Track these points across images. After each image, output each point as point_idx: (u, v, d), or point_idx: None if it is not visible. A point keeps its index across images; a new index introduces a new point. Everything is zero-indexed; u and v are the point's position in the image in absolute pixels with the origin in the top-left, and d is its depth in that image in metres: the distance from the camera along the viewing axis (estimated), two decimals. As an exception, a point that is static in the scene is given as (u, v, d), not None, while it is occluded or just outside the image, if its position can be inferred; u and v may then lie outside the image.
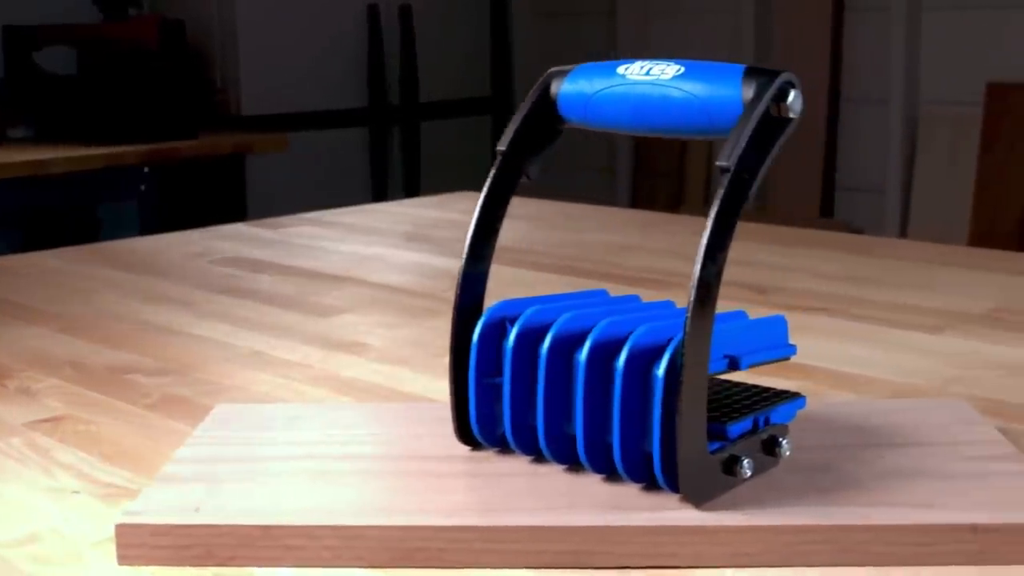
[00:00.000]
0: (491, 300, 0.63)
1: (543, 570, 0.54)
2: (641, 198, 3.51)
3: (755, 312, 1.00)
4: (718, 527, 0.54)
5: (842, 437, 0.64)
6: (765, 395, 0.62)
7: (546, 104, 0.63)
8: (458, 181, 2.88)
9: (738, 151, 0.55)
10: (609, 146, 3.54)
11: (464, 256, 0.62)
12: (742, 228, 1.52)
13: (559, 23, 3.71)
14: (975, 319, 0.96)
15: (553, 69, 0.64)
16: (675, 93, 0.58)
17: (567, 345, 0.58)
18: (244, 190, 3.03)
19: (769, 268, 1.17)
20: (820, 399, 0.77)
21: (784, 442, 0.60)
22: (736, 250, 1.23)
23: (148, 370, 0.86)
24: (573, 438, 0.58)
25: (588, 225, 1.44)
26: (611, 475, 0.58)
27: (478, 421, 0.61)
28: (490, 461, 0.61)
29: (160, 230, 1.92)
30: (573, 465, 0.60)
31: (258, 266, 1.22)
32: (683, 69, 0.59)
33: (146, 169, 2.69)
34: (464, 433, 0.62)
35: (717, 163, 0.55)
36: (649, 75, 0.59)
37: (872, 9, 3.08)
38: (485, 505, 0.57)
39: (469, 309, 0.62)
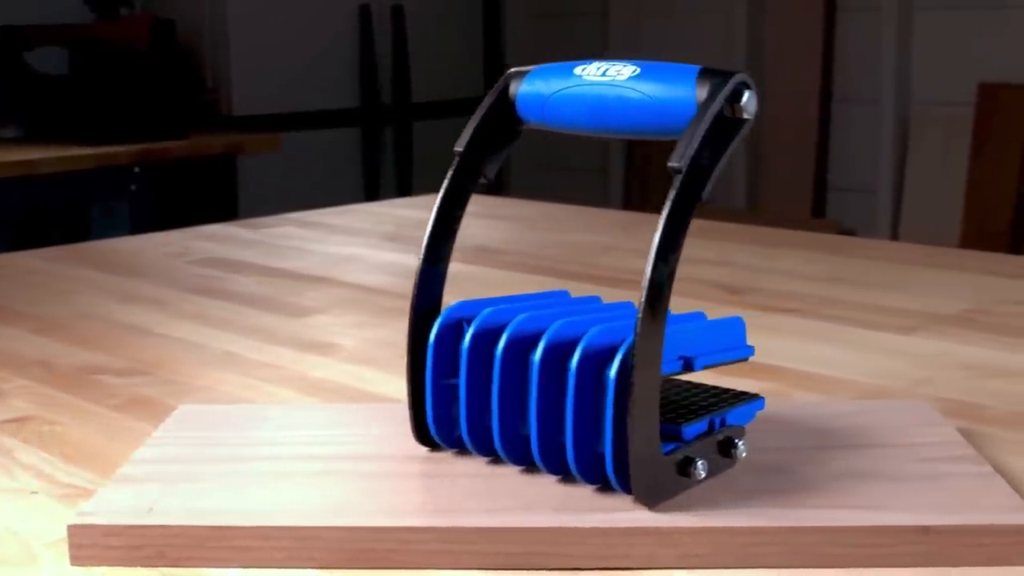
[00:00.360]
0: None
1: (495, 571, 0.54)
2: (634, 199, 3.51)
3: (727, 313, 1.00)
4: (670, 528, 0.54)
5: (801, 439, 0.64)
6: (724, 396, 0.62)
7: (504, 105, 0.63)
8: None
9: (690, 152, 0.55)
10: (602, 147, 3.54)
11: (421, 257, 0.62)
12: (723, 229, 1.52)
13: (552, 23, 3.71)
14: (948, 320, 0.96)
15: (512, 70, 0.64)
16: (631, 94, 0.58)
17: (522, 346, 0.58)
18: (236, 190, 3.03)
19: (747, 269, 1.17)
20: (786, 400, 0.77)
21: (740, 443, 0.60)
22: (715, 250, 1.25)
23: (117, 371, 0.86)
24: (528, 439, 0.58)
25: (571, 226, 1.44)
26: (566, 476, 0.58)
27: (435, 422, 0.61)
28: (447, 462, 0.61)
29: (151, 230, 1.92)
30: (529, 466, 0.60)
31: (237, 267, 1.22)
32: (639, 70, 0.59)
33: (137, 169, 2.69)
34: (421, 434, 0.62)
35: (669, 164, 0.55)
36: (605, 76, 0.59)
37: (864, 9, 3.08)
38: (438, 506, 0.57)
39: (426, 310, 0.62)
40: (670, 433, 0.58)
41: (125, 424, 0.75)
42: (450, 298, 0.63)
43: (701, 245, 1.30)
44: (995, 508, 0.55)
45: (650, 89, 0.58)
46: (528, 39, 3.75)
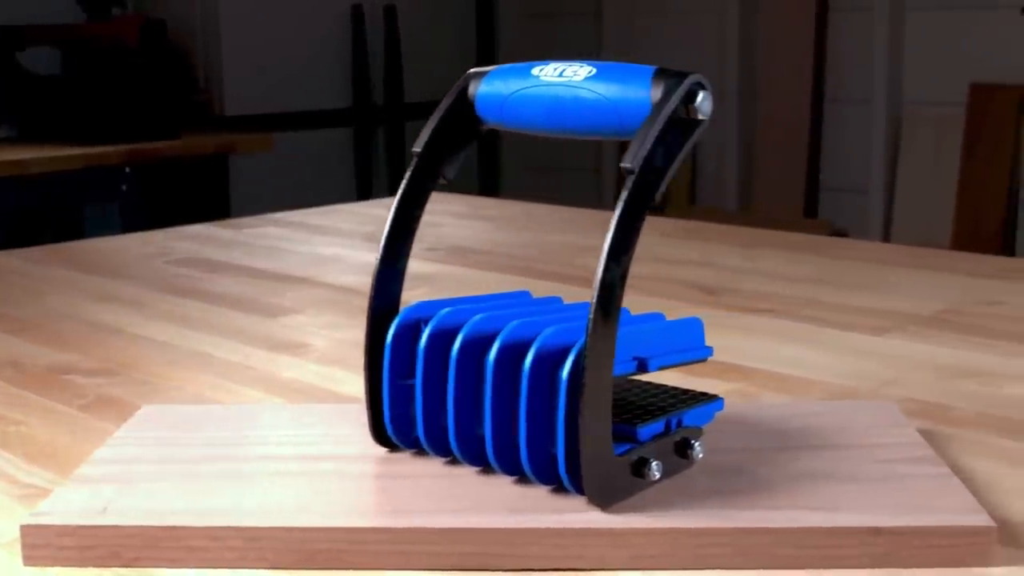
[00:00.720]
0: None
1: (446, 572, 0.54)
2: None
3: (701, 313, 1.00)
4: (622, 529, 0.54)
5: (762, 439, 0.64)
6: (682, 397, 0.62)
7: (464, 105, 0.63)
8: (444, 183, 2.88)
9: (643, 153, 0.55)
10: (595, 148, 3.54)
11: (379, 257, 0.62)
12: (708, 229, 1.52)
13: (545, 23, 3.71)
14: (922, 321, 0.96)
15: (472, 70, 0.64)
16: (587, 94, 0.58)
17: (478, 347, 0.58)
18: (228, 190, 3.03)
19: (727, 270, 1.17)
20: (750, 401, 0.77)
21: (697, 444, 0.60)
22: (699, 251, 1.25)
23: (87, 370, 0.86)
24: (484, 440, 0.58)
25: (552, 226, 1.44)
26: (522, 477, 0.58)
27: (393, 423, 0.61)
28: (405, 463, 0.61)
29: (142, 231, 1.92)
30: (486, 467, 0.60)
31: (215, 267, 1.22)
32: (595, 71, 0.59)
33: (127, 169, 2.69)
34: (380, 435, 0.62)
35: (621, 165, 0.55)
36: (562, 77, 0.59)
37: (856, 9, 3.08)
38: (390, 506, 0.57)
39: (384, 310, 0.62)
40: (625, 434, 0.58)
41: (91, 424, 0.75)
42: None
43: (684, 246, 1.30)
44: (949, 509, 0.55)
45: (605, 90, 0.58)
46: (521, 39, 3.74)
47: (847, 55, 3.12)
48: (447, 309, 0.60)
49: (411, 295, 1.04)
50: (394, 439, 0.62)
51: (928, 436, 0.70)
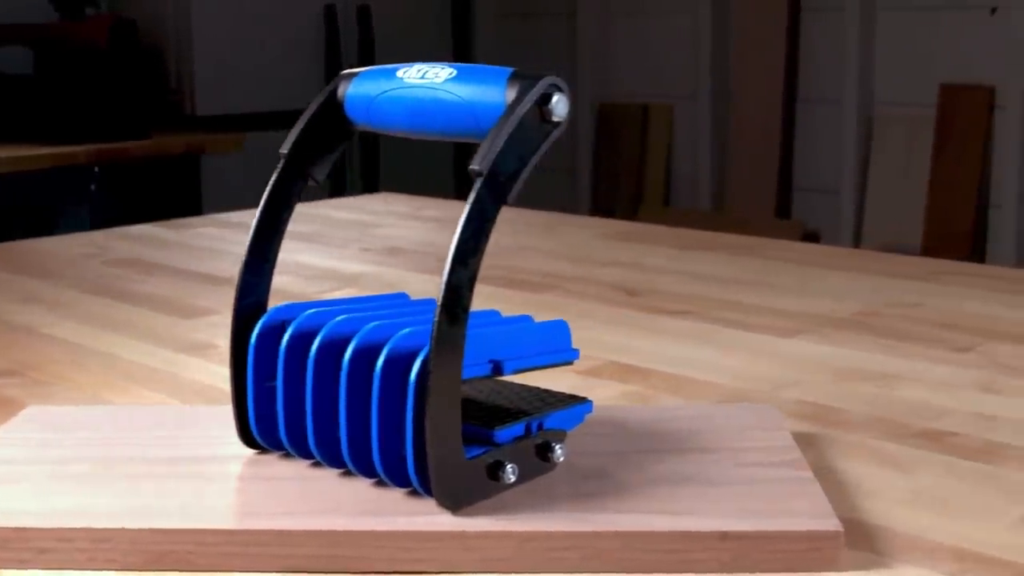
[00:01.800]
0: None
1: (292, 574, 0.54)
2: (601, 199, 3.51)
3: (618, 314, 1.00)
4: (467, 532, 0.54)
5: (632, 443, 0.64)
6: (550, 400, 0.62)
7: (333, 107, 0.63)
8: (419, 181, 2.88)
9: (492, 155, 0.55)
10: (570, 147, 3.53)
11: (244, 259, 0.62)
12: (643, 230, 1.52)
13: (521, 23, 3.71)
14: (836, 323, 0.96)
15: (343, 72, 0.64)
16: (446, 96, 0.59)
17: (335, 349, 0.58)
18: (200, 190, 3.02)
19: (653, 271, 1.17)
20: (639, 403, 0.77)
21: (558, 448, 0.60)
22: (630, 252, 1.25)
23: (-11, 371, 0.86)
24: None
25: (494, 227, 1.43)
26: (381, 480, 0.58)
27: (258, 424, 0.61)
28: (269, 465, 0.61)
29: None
30: (347, 469, 0.60)
31: (148, 267, 1.22)
32: (455, 72, 0.59)
33: (96, 169, 2.69)
34: (246, 437, 0.62)
35: (469, 167, 0.55)
36: (424, 79, 0.59)
37: (827, 9, 3.08)
38: (242, 508, 0.57)
39: (249, 311, 0.62)
40: (481, 436, 0.58)
41: (-20, 425, 0.74)
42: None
43: (618, 247, 1.30)
44: (799, 514, 0.55)
45: (463, 91, 0.58)
46: (497, 39, 3.74)
47: (819, 55, 3.12)
48: (311, 311, 0.60)
49: (337, 296, 1.04)
50: (260, 441, 0.62)
51: (810, 439, 0.70)
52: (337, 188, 3.42)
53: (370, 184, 3.45)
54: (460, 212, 0.55)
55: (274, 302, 0.58)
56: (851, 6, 3.01)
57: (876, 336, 0.93)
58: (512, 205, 0.57)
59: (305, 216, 1.52)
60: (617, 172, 3.48)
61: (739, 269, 1.17)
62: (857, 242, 3.06)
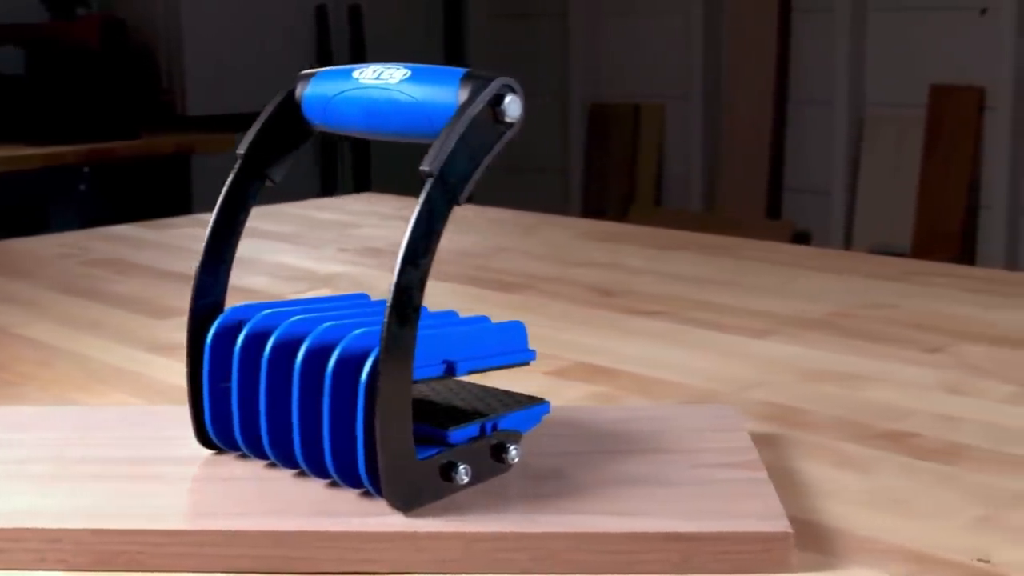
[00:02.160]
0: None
1: (242, 575, 0.54)
2: (592, 199, 3.50)
3: (592, 314, 1.00)
4: (417, 533, 0.54)
5: (589, 443, 0.64)
6: (507, 401, 0.62)
7: (291, 107, 0.63)
8: (411, 181, 2.87)
9: (442, 156, 0.55)
10: (561, 147, 3.53)
11: (200, 259, 0.62)
12: (623, 231, 1.51)
13: (514, 23, 3.71)
14: (809, 323, 0.96)
15: (302, 72, 0.64)
16: (400, 97, 0.59)
17: (289, 349, 0.58)
18: (190, 190, 3.02)
19: (630, 271, 1.17)
20: (604, 404, 0.77)
21: (513, 449, 0.60)
22: (609, 252, 1.24)
23: (-43, 371, 0.86)
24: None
25: (473, 227, 1.43)
26: (334, 481, 0.58)
27: (214, 425, 0.61)
28: (225, 465, 0.61)
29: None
30: (302, 470, 0.60)
31: (125, 268, 1.22)
32: (410, 73, 0.59)
33: (86, 169, 2.69)
34: (202, 437, 0.62)
35: (420, 168, 0.55)
36: (379, 79, 0.60)
37: (818, 10, 3.08)
38: (194, 509, 0.57)
39: (205, 312, 0.62)
40: (435, 437, 0.58)
41: (-56, 425, 0.74)
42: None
43: (596, 247, 1.30)
44: (750, 515, 0.55)
45: (417, 92, 0.58)
46: (489, 39, 3.74)
47: (810, 56, 3.12)
48: (267, 311, 0.60)
49: (312, 295, 1.04)
50: (216, 441, 0.62)
51: (771, 440, 0.70)
52: (328, 188, 3.42)
53: (362, 184, 3.45)
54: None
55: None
56: (842, 7, 3.01)
57: (847, 337, 0.92)
58: (468, 203, 0.57)
59: (286, 216, 1.52)
60: (608, 173, 3.48)
61: (717, 270, 1.17)
62: (848, 242, 3.06)
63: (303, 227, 1.43)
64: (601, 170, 3.50)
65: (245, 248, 1.29)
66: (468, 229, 1.42)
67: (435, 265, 1.20)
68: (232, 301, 1.06)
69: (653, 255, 1.24)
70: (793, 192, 3.19)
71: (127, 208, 2.81)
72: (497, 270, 1.17)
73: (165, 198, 2.94)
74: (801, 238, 3.09)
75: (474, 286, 1.09)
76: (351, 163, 3.53)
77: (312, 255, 1.27)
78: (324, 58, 3.39)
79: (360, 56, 3.46)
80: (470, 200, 0.56)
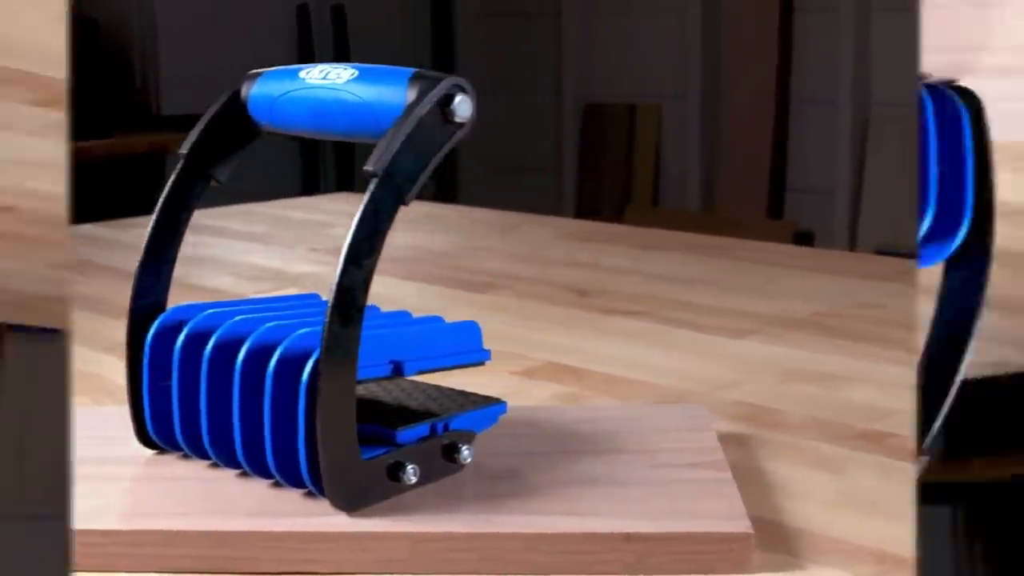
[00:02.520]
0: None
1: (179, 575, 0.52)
2: (586, 199, 3.48)
3: (566, 314, 0.98)
4: (361, 533, 0.53)
5: (548, 443, 0.63)
6: (461, 401, 0.61)
7: (237, 107, 0.61)
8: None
9: (388, 156, 0.53)
10: (555, 147, 3.51)
11: (140, 259, 0.60)
12: (605, 230, 1.50)
13: (505, 23, 3.67)
14: (793, 323, 0.94)
15: (250, 72, 0.62)
16: (348, 97, 0.57)
17: (231, 349, 0.56)
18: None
19: (610, 271, 1.15)
20: (580, 404, 0.75)
21: (465, 449, 0.58)
22: (589, 252, 1.23)
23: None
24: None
25: (451, 227, 1.41)
26: (278, 481, 0.57)
27: (155, 424, 0.60)
28: (167, 465, 0.60)
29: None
30: (245, 470, 0.58)
31: (87, 268, 1.20)
32: (357, 73, 0.58)
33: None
34: (143, 437, 0.61)
35: (364, 168, 0.53)
36: (326, 79, 0.58)
37: (821, 10, 3.06)
38: (132, 509, 0.56)
39: (145, 312, 0.60)
40: (383, 437, 0.56)
41: None
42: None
43: (577, 247, 1.28)
44: (709, 515, 0.54)
45: (364, 92, 0.57)
46: (480, 39, 3.70)
47: (813, 55, 3.09)
48: (209, 311, 0.59)
49: (279, 294, 1.02)
50: (157, 441, 0.60)
51: (741, 440, 0.68)
52: (310, 187, 3.39)
53: (345, 183, 3.41)
54: (421, 211, 0.53)
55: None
56: (845, 7, 2.99)
57: (831, 337, 0.90)
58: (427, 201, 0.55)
59: (258, 216, 1.50)
60: (603, 173, 3.46)
61: (704, 270, 1.15)
62: (852, 243, 3.04)
63: (275, 227, 1.41)
64: (596, 170, 3.48)
65: (213, 248, 1.28)
66: (449, 229, 1.40)
67: (410, 264, 1.19)
68: (193, 300, 1.04)
69: (636, 255, 1.22)
70: (797, 192, 3.16)
71: (101, 207, 2.79)
72: (473, 270, 1.16)
73: (139, 197, 2.92)
74: (803, 238, 3.07)
75: (447, 286, 1.07)
76: (334, 162, 3.49)
77: (282, 255, 1.25)
78: (306, 59, 3.36)
79: (344, 58, 3.44)
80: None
